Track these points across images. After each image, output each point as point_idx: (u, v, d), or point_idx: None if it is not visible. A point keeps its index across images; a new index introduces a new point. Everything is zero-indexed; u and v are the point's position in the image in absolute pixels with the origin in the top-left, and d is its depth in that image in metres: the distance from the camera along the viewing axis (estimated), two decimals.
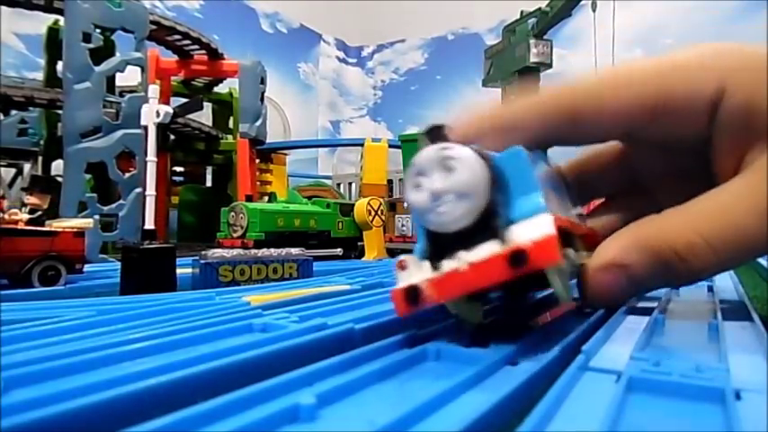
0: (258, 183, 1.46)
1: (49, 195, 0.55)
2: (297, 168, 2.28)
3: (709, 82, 0.20)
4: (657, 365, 0.15)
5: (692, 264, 0.20)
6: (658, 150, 0.25)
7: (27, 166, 1.21)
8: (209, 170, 1.64)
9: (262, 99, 1.35)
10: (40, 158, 1.17)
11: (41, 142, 1.16)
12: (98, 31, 0.83)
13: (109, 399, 0.12)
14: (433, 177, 0.17)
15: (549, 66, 2.14)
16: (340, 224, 0.86)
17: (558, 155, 0.26)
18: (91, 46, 0.81)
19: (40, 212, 0.51)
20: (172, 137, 1.40)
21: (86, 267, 0.50)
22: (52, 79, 1.08)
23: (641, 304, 0.26)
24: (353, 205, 0.86)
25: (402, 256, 0.18)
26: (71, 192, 0.78)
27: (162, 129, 0.77)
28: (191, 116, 1.27)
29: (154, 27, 1.09)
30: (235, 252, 0.47)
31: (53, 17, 1.05)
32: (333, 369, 0.14)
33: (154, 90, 0.50)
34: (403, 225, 0.89)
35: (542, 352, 0.17)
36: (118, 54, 0.89)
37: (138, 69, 0.89)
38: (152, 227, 0.47)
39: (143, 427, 0.10)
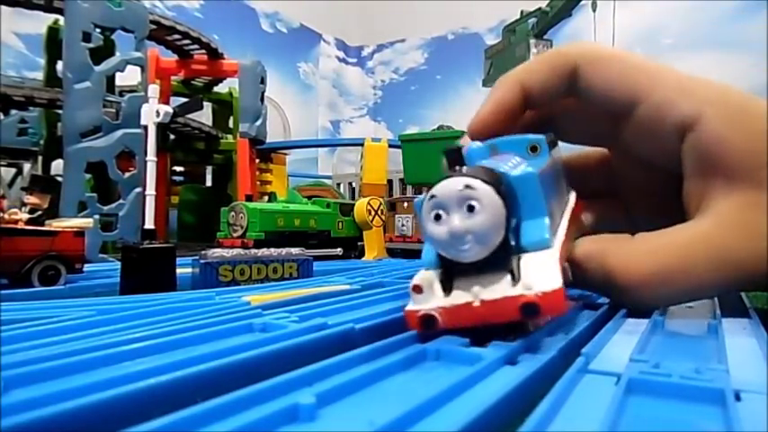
0: (258, 182, 1.46)
1: (48, 195, 0.55)
2: (297, 168, 2.28)
3: (685, 105, 0.21)
4: (657, 367, 0.15)
5: (641, 296, 0.22)
6: (637, 162, 0.26)
7: (27, 166, 1.21)
8: (209, 170, 1.64)
9: (262, 99, 1.34)
10: (40, 158, 1.17)
11: (41, 142, 1.15)
12: (98, 30, 0.82)
13: (109, 399, 0.12)
14: (454, 214, 0.17)
15: None
16: (340, 224, 0.86)
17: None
18: (91, 46, 0.81)
19: (40, 212, 0.51)
20: (172, 137, 1.40)
21: (86, 267, 0.50)
22: (52, 79, 1.08)
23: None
24: (353, 205, 0.86)
25: (416, 279, 0.19)
26: (71, 191, 0.78)
27: (162, 128, 0.77)
28: (191, 116, 1.27)
29: (154, 27, 1.09)
30: (235, 252, 0.47)
31: (53, 17, 1.05)
32: (332, 369, 0.14)
33: (154, 90, 0.50)
34: (403, 225, 0.89)
35: (542, 353, 0.17)
36: (118, 54, 0.89)
37: (138, 69, 0.89)
38: (152, 227, 0.47)
39: (143, 427, 0.10)
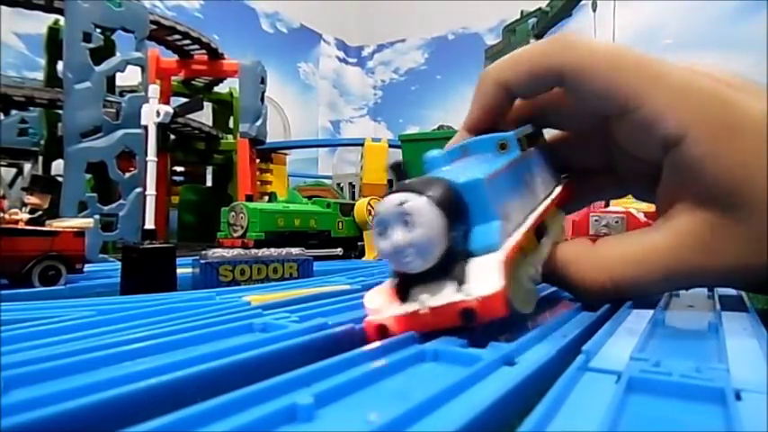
0: (258, 182, 1.46)
1: (49, 195, 0.55)
2: (297, 168, 2.28)
3: (671, 122, 0.21)
4: (657, 366, 0.15)
5: (600, 299, 0.24)
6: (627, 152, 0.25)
7: (27, 166, 1.21)
8: (209, 170, 1.64)
9: (262, 99, 1.34)
10: (40, 158, 1.17)
11: (41, 142, 1.16)
12: (98, 30, 0.82)
13: (109, 399, 0.12)
14: (394, 230, 0.18)
15: None
16: (340, 224, 0.86)
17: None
18: (91, 46, 0.81)
19: (40, 212, 0.51)
20: (172, 137, 1.40)
21: (86, 267, 0.50)
22: (52, 79, 1.08)
23: (641, 303, 0.26)
24: (353, 205, 0.86)
25: (371, 292, 0.21)
26: (71, 191, 0.78)
27: (162, 128, 0.77)
28: (191, 116, 1.27)
29: (154, 27, 1.09)
30: (235, 252, 0.47)
31: (53, 17, 1.05)
32: (330, 369, 0.14)
33: (154, 90, 0.50)
34: None
35: (541, 353, 0.17)
36: (118, 54, 0.89)
37: (139, 69, 0.89)
38: (152, 227, 0.47)
39: (143, 426, 0.10)
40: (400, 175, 0.22)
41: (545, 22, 2.10)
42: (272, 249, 0.50)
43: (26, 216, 0.48)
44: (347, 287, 0.36)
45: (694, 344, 0.19)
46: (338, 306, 0.27)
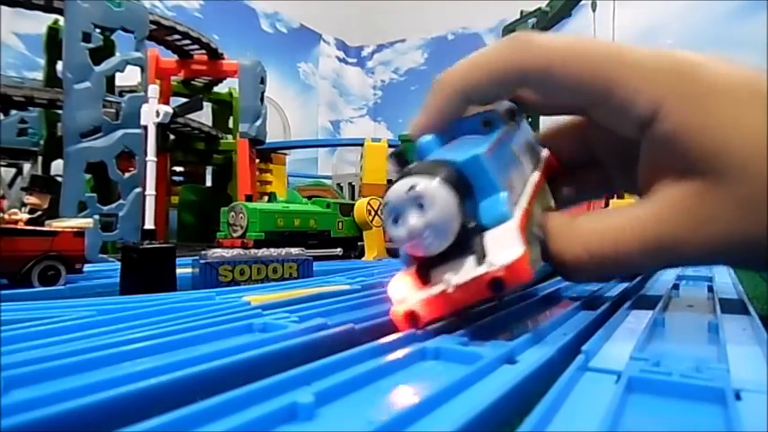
0: (258, 183, 1.46)
1: (48, 195, 0.55)
2: (297, 168, 2.28)
3: (642, 102, 0.20)
4: (657, 365, 0.15)
5: (577, 276, 0.23)
6: (611, 133, 0.24)
7: (27, 166, 1.21)
8: (209, 170, 1.64)
9: (262, 99, 1.35)
10: (39, 158, 1.17)
11: (41, 142, 1.16)
12: (98, 30, 0.82)
13: (109, 399, 0.12)
14: (408, 215, 0.18)
15: None
16: (340, 224, 0.86)
17: None
18: (91, 46, 0.81)
19: (40, 212, 0.51)
20: (172, 137, 1.40)
21: (86, 267, 0.50)
22: (52, 79, 1.08)
23: (641, 303, 0.26)
24: (353, 205, 0.86)
25: (393, 282, 0.21)
26: (71, 191, 0.78)
27: (162, 129, 0.77)
28: (191, 116, 1.27)
29: (154, 27, 1.09)
30: (235, 252, 0.47)
31: (53, 17, 1.05)
32: (331, 368, 0.14)
33: (154, 90, 0.50)
34: None
35: (541, 351, 0.17)
36: (118, 54, 0.89)
37: (138, 69, 0.89)
38: (152, 227, 0.47)
39: (143, 425, 0.10)
40: (401, 162, 0.22)
41: (545, 22, 2.10)
42: (272, 249, 0.50)
43: (26, 216, 0.48)
44: (347, 287, 0.36)
45: (694, 344, 0.19)
46: (338, 306, 0.27)
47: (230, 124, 1.56)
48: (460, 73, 0.24)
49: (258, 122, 1.32)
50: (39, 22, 1.12)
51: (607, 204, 0.56)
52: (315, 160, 3.04)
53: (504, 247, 0.17)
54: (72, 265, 0.46)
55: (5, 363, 0.15)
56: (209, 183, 1.66)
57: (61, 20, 0.94)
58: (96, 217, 0.76)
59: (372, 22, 3.67)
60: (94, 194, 0.80)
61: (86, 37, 0.80)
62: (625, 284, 0.34)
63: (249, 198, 0.92)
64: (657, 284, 0.36)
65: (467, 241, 0.18)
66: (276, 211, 0.77)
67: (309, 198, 0.94)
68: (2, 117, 1.16)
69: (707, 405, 0.12)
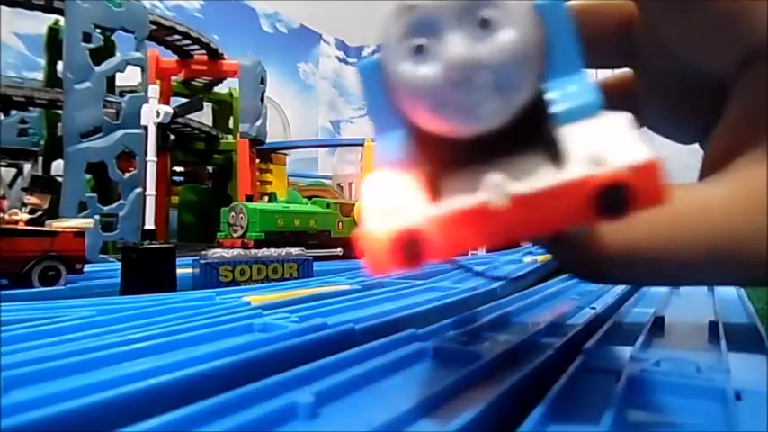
0: (258, 183, 1.46)
1: (49, 195, 0.55)
2: (297, 168, 2.28)
3: (759, 22, 0.14)
4: (658, 365, 0.15)
5: (596, 270, 0.15)
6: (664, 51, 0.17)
7: (27, 166, 1.21)
8: (209, 170, 1.64)
9: (262, 99, 1.35)
10: (40, 158, 1.17)
11: (41, 142, 1.16)
12: (98, 31, 0.83)
13: (109, 399, 0.12)
14: (454, 37, 0.10)
15: None
16: (340, 224, 0.86)
17: None
18: (91, 46, 0.81)
19: (40, 212, 0.51)
20: (172, 137, 1.40)
21: (86, 267, 0.50)
22: (52, 79, 1.08)
23: (641, 303, 0.26)
24: (353, 205, 0.86)
25: (378, 177, 0.11)
26: (71, 192, 0.78)
27: (162, 129, 0.77)
28: (191, 116, 1.27)
29: (154, 27, 1.09)
30: (235, 252, 0.47)
31: (53, 17, 1.05)
32: (331, 368, 0.14)
33: (154, 90, 0.50)
34: None
35: (542, 351, 0.17)
36: (118, 54, 0.89)
37: (139, 69, 0.89)
38: (152, 227, 0.47)
39: (144, 425, 0.10)
40: None
41: None
42: (272, 249, 0.50)
43: (26, 216, 0.48)
44: (347, 287, 0.36)
45: (694, 344, 0.19)
46: (338, 306, 0.27)
47: (230, 124, 1.56)
48: None
49: (258, 122, 1.32)
50: (39, 23, 1.12)
51: None
52: (315, 160, 3.04)
53: (614, 145, 0.10)
54: (72, 265, 0.46)
55: (5, 363, 0.15)
56: (209, 183, 1.66)
57: (61, 20, 0.94)
58: (96, 217, 0.76)
59: (372, 22, 3.67)
60: (95, 195, 0.80)
61: (87, 37, 0.80)
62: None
63: (249, 198, 0.92)
64: None
65: (536, 126, 0.10)
66: (276, 212, 0.77)
67: (309, 198, 0.94)
68: (2, 117, 1.16)
69: (707, 405, 0.12)
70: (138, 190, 0.81)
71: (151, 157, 0.47)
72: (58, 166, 1.01)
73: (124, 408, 0.12)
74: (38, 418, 0.10)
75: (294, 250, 0.51)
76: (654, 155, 0.10)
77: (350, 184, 1.83)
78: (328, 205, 0.86)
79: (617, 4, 0.19)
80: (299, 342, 0.18)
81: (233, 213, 0.76)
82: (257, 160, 1.46)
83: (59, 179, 0.80)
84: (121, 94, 0.88)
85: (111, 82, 0.90)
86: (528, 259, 0.54)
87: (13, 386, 0.13)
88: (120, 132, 0.82)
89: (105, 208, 0.80)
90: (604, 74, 0.20)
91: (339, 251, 0.81)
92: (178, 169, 1.60)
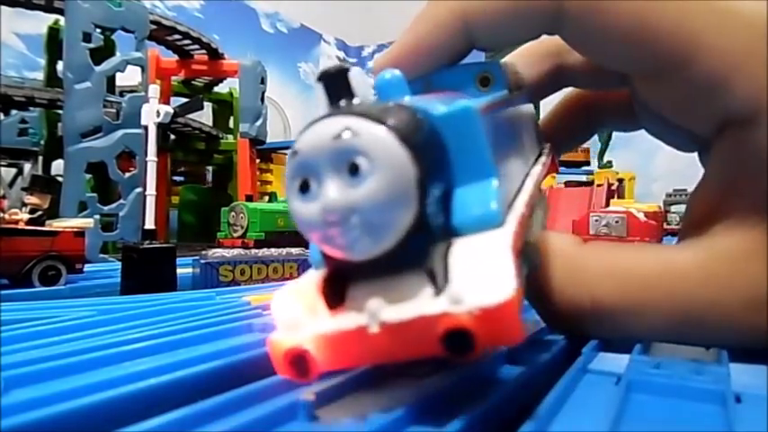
0: (258, 183, 1.46)
1: (49, 195, 0.55)
2: None
3: (740, 91, 0.14)
4: (658, 368, 0.15)
5: (562, 320, 0.16)
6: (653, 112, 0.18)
7: (27, 166, 1.21)
8: (209, 170, 1.65)
9: (262, 99, 1.35)
10: (40, 158, 1.17)
11: (42, 142, 1.16)
12: (98, 30, 0.83)
13: (109, 399, 0.12)
14: (328, 182, 0.10)
15: None
16: None
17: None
18: (91, 46, 0.81)
19: (40, 212, 0.51)
20: (172, 137, 1.40)
21: (87, 267, 0.50)
22: (52, 79, 1.08)
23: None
24: None
25: (283, 291, 0.13)
26: (71, 192, 0.78)
27: (162, 129, 0.77)
28: (191, 116, 1.27)
29: (154, 27, 1.09)
30: (235, 252, 0.47)
31: (53, 17, 1.05)
32: None
33: (154, 90, 0.50)
34: None
35: (542, 353, 0.17)
36: (118, 54, 0.89)
37: (139, 69, 0.89)
38: (152, 227, 0.47)
39: (144, 425, 0.10)
40: (336, 90, 0.13)
41: None
42: (272, 249, 0.50)
43: (26, 216, 0.48)
44: None
45: (694, 346, 0.19)
46: None
47: (231, 124, 1.56)
48: None
49: (258, 122, 1.32)
50: (39, 22, 1.12)
51: (607, 204, 0.55)
52: None
53: (483, 275, 0.10)
54: (72, 265, 0.46)
55: (5, 363, 0.15)
56: (209, 183, 1.66)
57: (62, 20, 0.94)
58: (97, 217, 0.76)
59: (372, 22, 3.67)
60: (95, 194, 0.80)
61: (87, 37, 0.81)
62: None
63: (249, 198, 0.92)
64: None
65: (421, 247, 0.11)
66: (276, 211, 0.77)
67: None
68: (2, 117, 1.16)
69: (707, 408, 0.12)
70: (139, 190, 0.82)
71: (151, 156, 0.47)
72: (58, 166, 1.01)
73: (124, 408, 0.12)
74: (38, 418, 0.10)
75: (294, 250, 0.51)
76: (512, 290, 0.10)
77: None
78: None
79: (573, 94, 0.21)
80: None
81: (233, 213, 0.76)
82: (257, 160, 1.46)
83: (59, 179, 0.80)
84: (122, 94, 0.89)
85: (112, 82, 0.90)
86: None
87: (13, 386, 0.13)
88: (121, 132, 0.82)
89: (105, 208, 0.80)
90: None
91: None
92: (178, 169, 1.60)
